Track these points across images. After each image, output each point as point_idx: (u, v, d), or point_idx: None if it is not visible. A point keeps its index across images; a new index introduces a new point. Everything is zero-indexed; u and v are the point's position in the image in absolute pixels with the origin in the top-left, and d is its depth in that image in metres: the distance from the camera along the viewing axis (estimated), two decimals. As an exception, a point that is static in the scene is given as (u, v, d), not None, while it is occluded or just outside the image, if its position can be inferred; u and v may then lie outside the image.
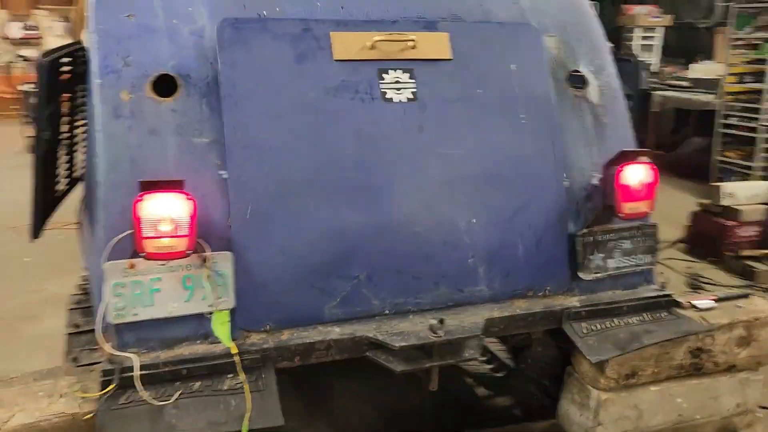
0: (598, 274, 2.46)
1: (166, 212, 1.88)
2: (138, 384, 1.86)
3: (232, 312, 2.07)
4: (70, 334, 2.29)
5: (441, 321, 2.14)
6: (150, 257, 1.90)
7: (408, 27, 2.39)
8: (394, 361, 2.11)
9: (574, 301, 2.40)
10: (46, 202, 2.44)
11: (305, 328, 2.14)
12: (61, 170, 2.63)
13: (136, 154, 2.06)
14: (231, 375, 2.00)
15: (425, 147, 2.29)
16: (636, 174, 2.35)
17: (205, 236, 2.03)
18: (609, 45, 2.80)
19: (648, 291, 2.52)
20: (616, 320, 2.41)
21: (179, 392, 1.92)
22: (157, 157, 2.07)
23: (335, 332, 2.14)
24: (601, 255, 2.46)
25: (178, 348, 2.01)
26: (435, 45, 2.38)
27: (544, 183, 2.41)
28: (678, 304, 2.54)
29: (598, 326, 2.37)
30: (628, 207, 2.36)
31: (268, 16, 2.32)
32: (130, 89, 2.10)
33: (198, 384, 1.96)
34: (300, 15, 2.34)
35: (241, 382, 1.97)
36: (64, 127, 2.58)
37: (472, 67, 2.41)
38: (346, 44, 2.28)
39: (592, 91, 2.61)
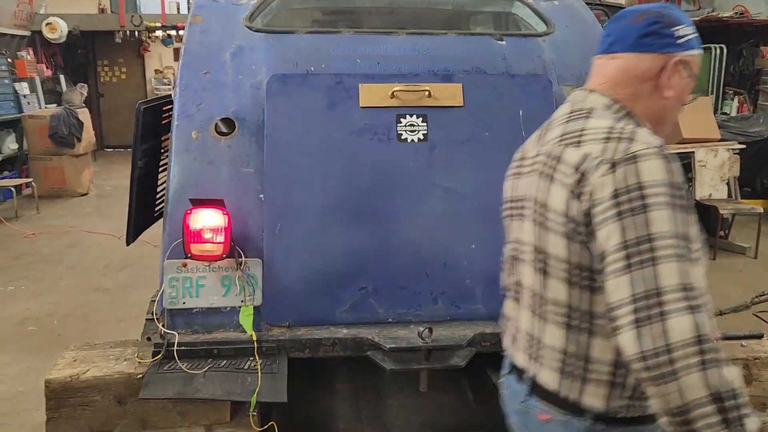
0: (594, 303, 2.65)
1: (207, 223, 2.43)
2: (175, 355, 2.40)
3: (260, 308, 2.57)
4: (147, 319, 2.91)
5: (430, 330, 2.47)
6: (194, 258, 2.46)
7: (427, 79, 2.80)
8: (387, 361, 2.47)
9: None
10: (139, 218, 3.11)
11: (318, 327, 2.58)
12: (159, 194, 3.32)
13: (197, 179, 2.65)
14: (251, 358, 2.48)
15: (432, 181, 2.67)
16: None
17: (243, 245, 2.56)
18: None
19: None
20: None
21: (209, 366, 2.44)
22: (213, 182, 2.64)
23: (342, 332, 2.55)
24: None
25: (215, 332, 2.54)
26: (449, 94, 2.77)
27: (544, 216, 2.67)
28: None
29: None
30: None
31: (315, 71, 2.85)
32: (199, 129, 2.71)
33: (225, 362, 2.47)
34: (341, 70, 2.85)
35: (257, 364, 2.44)
36: (165, 161, 3.27)
37: (481, 113, 2.76)
38: (371, 94, 2.74)
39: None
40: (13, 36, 11.34)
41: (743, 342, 2.64)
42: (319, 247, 2.60)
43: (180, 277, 2.53)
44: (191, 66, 2.86)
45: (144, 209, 3.16)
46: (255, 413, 2.46)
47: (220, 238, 2.44)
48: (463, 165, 2.70)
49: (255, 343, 2.46)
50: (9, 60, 10.67)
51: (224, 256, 2.46)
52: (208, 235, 2.44)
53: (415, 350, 2.46)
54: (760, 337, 2.69)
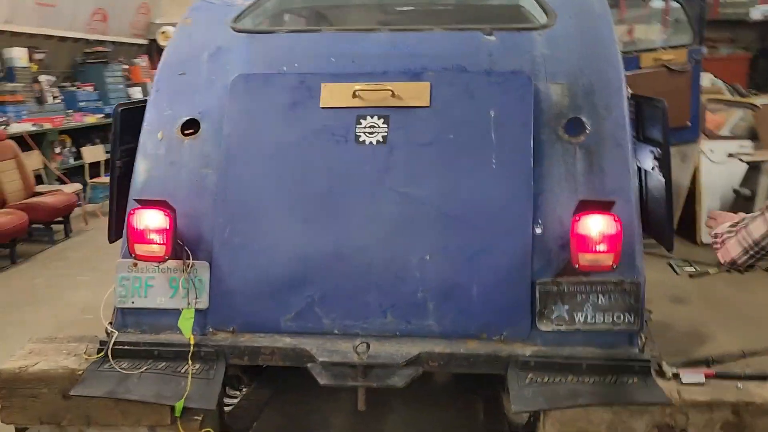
0: (561, 327, 2.37)
1: (150, 224, 2.42)
2: (109, 354, 2.42)
3: (206, 312, 2.53)
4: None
5: (367, 345, 2.32)
6: (138, 258, 2.46)
7: (395, 77, 2.64)
8: (323, 375, 2.35)
9: (527, 350, 2.35)
10: (120, 216, 3.17)
11: (262, 334, 2.50)
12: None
13: (158, 179, 2.66)
14: (191, 361, 2.45)
15: (389, 186, 2.50)
16: (594, 225, 2.25)
17: (195, 247, 2.54)
18: (628, 92, 2.66)
19: (624, 353, 2.33)
20: (570, 377, 2.29)
21: (147, 367, 2.43)
22: (172, 182, 2.64)
23: (283, 342, 2.45)
24: (566, 307, 2.37)
25: (162, 333, 2.53)
26: (415, 93, 2.58)
27: (509, 228, 2.43)
28: (661, 373, 2.31)
29: (546, 379, 2.29)
30: (585, 258, 2.27)
31: (287, 71, 2.78)
32: (165, 129, 2.72)
33: (163, 364, 2.45)
34: (311, 69, 2.76)
35: (189, 368, 2.40)
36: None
37: (449, 113, 2.56)
38: (333, 94, 2.62)
39: (591, 138, 2.54)
40: (131, 44, 12.26)
41: (740, 383, 2.24)
42: (268, 251, 2.52)
43: (130, 276, 2.54)
44: (168, 67, 2.89)
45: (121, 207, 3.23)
46: (198, 417, 2.43)
47: (162, 240, 2.43)
48: (422, 169, 2.51)
49: (191, 347, 2.42)
50: (125, 66, 11.55)
51: (167, 257, 2.44)
52: (151, 236, 2.43)
53: (350, 366, 2.32)
54: (764, 378, 2.27)
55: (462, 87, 2.60)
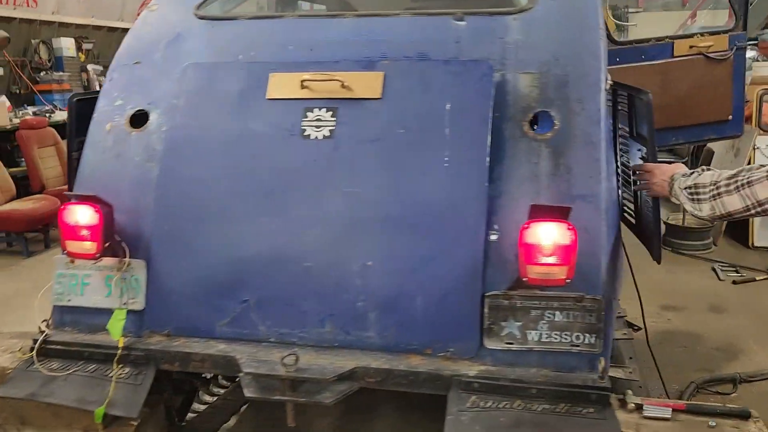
0: (512, 345, 2.12)
1: (80, 220, 2.31)
2: (35, 354, 2.32)
3: (143, 313, 2.40)
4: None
5: (296, 357, 2.14)
6: (70, 255, 2.36)
7: (348, 66, 2.43)
8: (250, 387, 2.18)
9: (473, 370, 2.12)
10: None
11: (197, 339, 2.35)
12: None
13: (101, 173, 2.55)
14: (121, 365, 2.33)
15: (332, 185, 2.30)
16: (545, 234, 1.99)
17: (134, 244, 2.42)
18: (608, 82, 2.36)
19: (580, 378, 2.06)
20: (517, 402, 2.05)
21: (75, 369, 2.33)
22: (116, 177, 2.53)
23: (216, 348, 2.29)
24: (519, 324, 2.12)
25: (98, 334, 2.42)
26: (367, 84, 2.37)
27: (460, 234, 2.19)
28: (623, 403, 2.03)
29: (489, 403, 2.05)
30: (534, 271, 2.01)
31: (243, 59, 2.62)
32: (114, 121, 2.61)
33: (93, 367, 2.34)
34: (268, 58, 2.59)
35: (114, 373, 2.28)
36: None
37: (401, 106, 2.33)
38: (281, 84, 2.44)
39: (559, 135, 2.26)
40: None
41: (712, 420, 1.93)
42: (206, 251, 2.36)
43: (67, 273, 2.45)
44: (123, 56, 2.78)
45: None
46: (134, 423, 2.32)
47: (94, 237, 2.31)
48: (368, 167, 2.30)
49: (119, 351, 2.30)
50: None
51: (98, 255, 2.33)
52: (82, 233, 2.32)
53: (277, 378, 2.14)
54: (746, 417, 1.96)
55: (417, 77, 2.37)
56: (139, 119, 2.59)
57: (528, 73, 2.38)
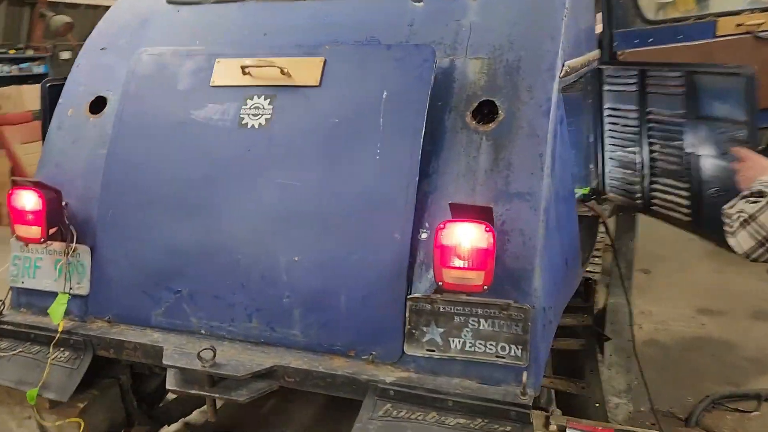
0: (434, 353, 1.98)
1: (25, 205, 2.35)
2: (-23, 335, 2.40)
3: (87, 299, 2.42)
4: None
5: (213, 352, 2.09)
6: (19, 239, 2.41)
7: (291, 52, 2.33)
8: (173, 379, 2.15)
9: (391, 376, 2.00)
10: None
11: (134, 327, 2.35)
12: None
13: (60, 158, 2.58)
14: (62, 348, 2.36)
15: (264, 175, 2.22)
16: (461, 235, 1.83)
17: (83, 230, 2.44)
18: (561, 71, 2.14)
19: (500, 393, 1.90)
20: (431, 414, 1.91)
21: (21, 350, 2.38)
22: (72, 162, 2.55)
23: (150, 338, 2.28)
24: (441, 330, 1.97)
25: (47, 317, 2.46)
26: (306, 71, 2.26)
27: (388, 231, 2.06)
28: (546, 422, 1.86)
29: (402, 413, 1.92)
30: (450, 275, 1.86)
31: (200, 44, 2.57)
32: (75, 107, 2.63)
33: (36, 348, 2.39)
34: (221, 43, 2.53)
35: (50, 356, 2.31)
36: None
37: (339, 94, 2.21)
38: (225, 71, 2.37)
39: (502, 127, 2.08)
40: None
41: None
42: (145, 240, 2.35)
43: (22, 256, 2.50)
44: (92, 41, 2.80)
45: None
46: (81, 404, 2.37)
47: (38, 222, 2.35)
48: (301, 158, 2.20)
49: (58, 335, 2.33)
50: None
51: (44, 239, 2.36)
52: (28, 217, 2.36)
53: (195, 373, 2.10)
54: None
55: (357, 63, 2.24)
56: (98, 105, 2.60)
57: (479, 58, 2.20)
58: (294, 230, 2.17)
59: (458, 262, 1.84)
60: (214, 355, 2.08)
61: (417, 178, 2.05)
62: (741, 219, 1.75)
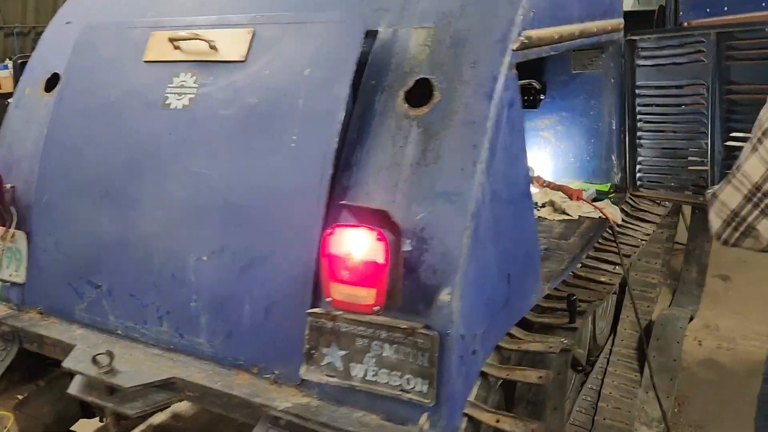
0: (332, 378, 1.67)
1: (-40, 189, 2.26)
2: None
3: (24, 287, 2.31)
4: None
5: (110, 357, 1.89)
6: (-46, 225, 2.33)
7: (224, 23, 2.07)
8: (75, 383, 1.98)
9: (286, 402, 1.71)
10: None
11: (63, 321, 2.21)
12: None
13: (13, 138, 2.48)
14: (-6, 338, 2.27)
15: (181, 162, 1.99)
16: (352, 243, 1.51)
17: (26, 214, 2.33)
18: (514, 43, 1.72)
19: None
20: (318, 452, 1.61)
21: (-44, 339, 2.32)
22: (23, 143, 2.44)
23: (70, 334, 2.12)
24: (342, 353, 1.65)
25: (-7, 304, 2.39)
26: (234, 44, 1.99)
27: (296, 232, 1.76)
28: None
29: (289, 448, 1.64)
30: (339, 291, 1.54)
31: (151, 17, 2.37)
32: (32, 86, 2.52)
33: (-29, 338, 2.31)
34: (161, 15, 2.32)
35: (-14, 346, 2.22)
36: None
37: (262, 71, 1.92)
38: (158, 45, 2.14)
39: (436, 111, 1.71)
40: None
41: None
42: (72, 228, 2.20)
43: None
44: (60, 14, 2.67)
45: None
46: (21, 396, 2.28)
47: (-28, 206, 2.26)
48: (216, 144, 1.94)
49: None
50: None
51: (-22, 225, 2.27)
52: (-38, 201, 2.27)
53: (94, 378, 1.92)
54: None
55: (287, 36, 1.93)
56: (52, 83, 2.47)
57: (424, 27, 1.83)
58: (203, 226, 1.92)
59: (347, 276, 1.52)
60: (111, 361, 1.88)
61: (331, 171, 1.73)
62: (708, 199, 1.55)
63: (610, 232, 2.43)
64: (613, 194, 2.71)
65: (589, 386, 3.24)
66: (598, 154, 2.75)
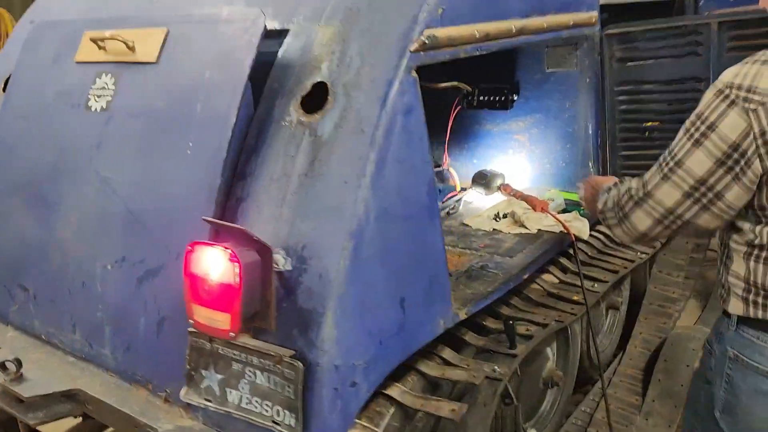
0: (210, 403, 1.57)
1: None
2: None
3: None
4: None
5: (17, 364, 1.86)
6: None
7: (143, 22, 1.99)
8: None
9: (171, 424, 1.62)
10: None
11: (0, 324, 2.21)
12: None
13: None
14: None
15: (95, 167, 1.92)
16: (208, 263, 1.40)
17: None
18: (414, 43, 1.55)
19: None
20: (188, 483, 1.51)
21: None
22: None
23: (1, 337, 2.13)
24: (219, 377, 1.55)
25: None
26: (148, 45, 1.90)
27: (185, 244, 1.66)
28: None
29: (164, 474, 1.55)
30: (201, 314, 1.44)
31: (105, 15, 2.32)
32: (-6, 86, 2.53)
33: None
34: (99, 13, 2.26)
35: None
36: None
37: (171, 73, 1.83)
38: (88, 45, 2.08)
39: (328, 118, 1.57)
40: None
41: None
42: (6, 231, 2.18)
43: None
44: (27, 13, 2.66)
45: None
46: None
47: None
48: (127, 148, 1.87)
49: None
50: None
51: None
52: None
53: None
54: None
55: (196, 35, 1.82)
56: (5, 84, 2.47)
57: (331, 25, 1.68)
58: (108, 234, 1.85)
59: (206, 297, 1.41)
60: (18, 368, 1.85)
61: (219, 181, 1.62)
62: (635, 198, 1.45)
63: (574, 247, 2.20)
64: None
65: (583, 409, 3.00)
66: (574, 160, 2.50)
